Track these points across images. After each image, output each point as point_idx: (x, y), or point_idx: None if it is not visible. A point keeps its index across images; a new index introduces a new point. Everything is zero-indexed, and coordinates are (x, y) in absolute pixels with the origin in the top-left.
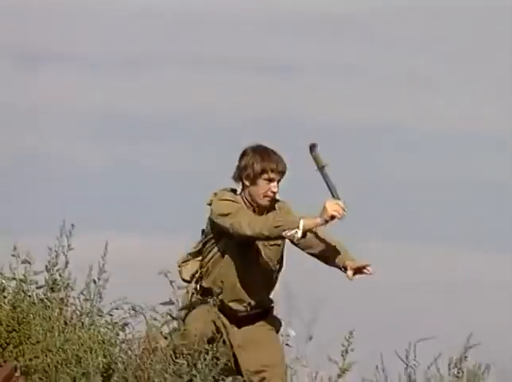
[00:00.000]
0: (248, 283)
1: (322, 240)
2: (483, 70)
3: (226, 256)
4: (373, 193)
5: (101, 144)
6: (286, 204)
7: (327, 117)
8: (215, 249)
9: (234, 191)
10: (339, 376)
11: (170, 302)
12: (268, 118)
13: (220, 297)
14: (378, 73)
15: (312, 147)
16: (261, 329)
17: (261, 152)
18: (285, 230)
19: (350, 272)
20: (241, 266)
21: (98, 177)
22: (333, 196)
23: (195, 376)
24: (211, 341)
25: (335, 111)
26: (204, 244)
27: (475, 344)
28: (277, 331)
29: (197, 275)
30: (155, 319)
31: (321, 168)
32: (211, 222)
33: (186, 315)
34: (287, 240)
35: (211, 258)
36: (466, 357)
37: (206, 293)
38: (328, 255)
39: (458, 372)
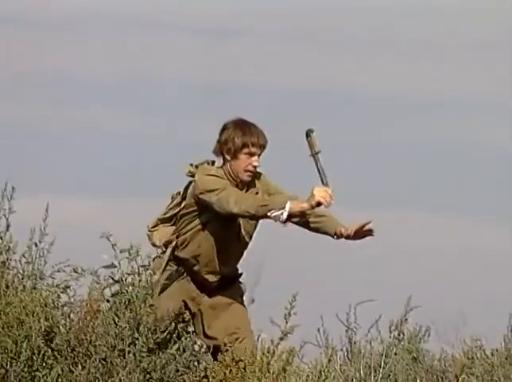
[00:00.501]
0: (225, 256)
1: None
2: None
3: (206, 230)
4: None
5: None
6: (262, 174)
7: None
8: (196, 221)
9: (213, 163)
10: (281, 338)
11: (112, 266)
12: (216, 82)
13: (196, 268)
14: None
15: (309, 132)
16: (230, 295)
17: (242, 126)
18: (270, 210)
19: (343, 231)
20: (221, 240)
21: (47, 139)
22: (323, 182)
23: (137, 338)
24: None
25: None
26: (182, 216)
27: (416, 306)
28: (242, 296)
29: (173, 244)
30: (97, 282)
31: (315, 153)
32: (195, 196)
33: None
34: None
35: (190, 229)
36: (406, 319)
37: (180, 263)
38: (319, 224)
39: (398, 334)
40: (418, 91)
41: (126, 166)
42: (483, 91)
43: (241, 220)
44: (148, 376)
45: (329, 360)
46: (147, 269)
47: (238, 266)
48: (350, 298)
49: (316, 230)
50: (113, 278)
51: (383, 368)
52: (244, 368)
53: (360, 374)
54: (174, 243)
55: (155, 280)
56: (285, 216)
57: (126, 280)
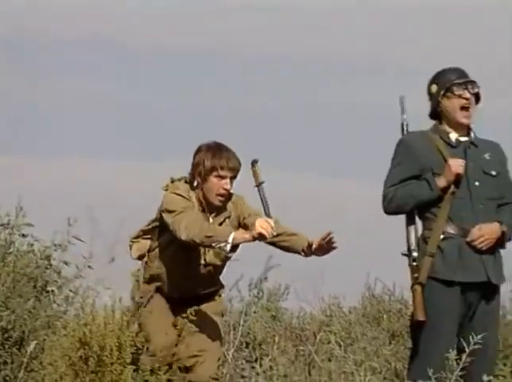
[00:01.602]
0: (191, 278)
1: (281, 231)
2: None
3: (171, 247)
4: None
5: None
6: (240, 198)
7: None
8: (163, 237)
9: (195, 184)
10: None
11: None
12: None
13: (163, 286)
14: None
15: (253, 162)
16: (203, 310)
17: (213, 149)
18: (215, 241)
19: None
20: (183, 259)
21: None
22: (265, 213)
23: None
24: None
25: None
26: (154, 228)
27: (275, 265)
28: (220, 312)
29: (145, 259)
30: None
31: (259, 184)
32: (159, 212)
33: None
34: None
35: (158, 245)
36: (266, 278)
37: (151, 280)
38: (289, 242)
39: (258, 293)
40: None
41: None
42: (417, 54)
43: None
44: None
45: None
46: None
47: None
48: None
49: (287, 249)
50: None
51: (242, 326)
52: (104, 327)
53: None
54: (146, 258)
55: (137, 302)
56: (228, 247)
57: None
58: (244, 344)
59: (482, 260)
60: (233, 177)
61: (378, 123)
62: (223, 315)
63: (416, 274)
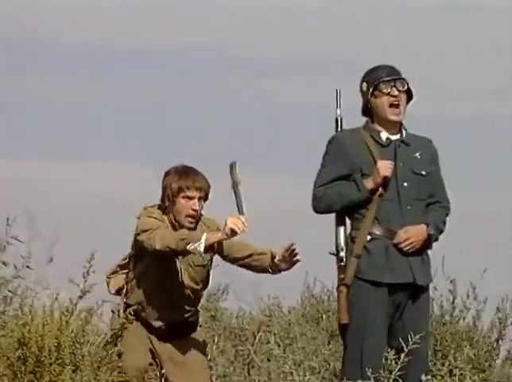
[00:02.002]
0: (171, 303)
1: (252, 252)
2: None
3: (147, 275)
4: None
5: None
6: (214, 222)
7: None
8: (139, 266)
9: (165, 208)
10: (80, 297)
11: None
12: None
13: (143, 315)
14: None
15: (232, 165)
16: (188, 347)
17: (180, 171)
18: (189, 242)
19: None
20: (162, 286)
21: None
22: (239, 211)
23: None
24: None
25: None
26: (130, 259)
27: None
28: (202, 344)
29: (123, 291)
30: None
31: (235, 185)
32: (134, 239)
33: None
34: (214, 260)
35: (135, 275)
36: None
37: (132, 311)
38: (259, 262)
39: None
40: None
41: None
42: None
43: (183, 265)
44: None
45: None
46: None
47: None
48: None
49: (256, 269)
50: None
51: None
52: (42, 327)
53: None
54: (124, 291)
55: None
56: (202, 247)
57: None
58: None
59: (408, 262)
60: (202, 198)
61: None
62: (205, 346)
63: (342, 275)
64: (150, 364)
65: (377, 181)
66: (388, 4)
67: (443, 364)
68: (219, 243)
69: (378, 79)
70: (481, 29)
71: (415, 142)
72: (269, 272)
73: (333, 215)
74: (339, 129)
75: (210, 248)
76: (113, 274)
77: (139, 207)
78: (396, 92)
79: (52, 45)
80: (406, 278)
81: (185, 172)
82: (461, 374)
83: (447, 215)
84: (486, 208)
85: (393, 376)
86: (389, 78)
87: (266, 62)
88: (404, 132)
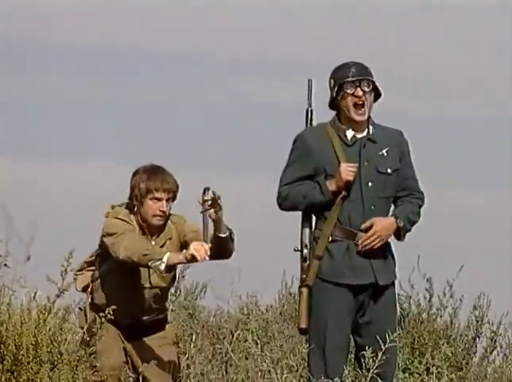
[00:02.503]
0: (138, 303)
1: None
2: None
3: (112, 274)
4: None
5: None
6: (181, 218)
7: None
8: (104, 265)
9: (133, 207)
10: (58, 295)
11: None
12: None
13: (109, 315)
14: None
15: (205, 190)
16: (158, 348)
17: (149, 171)
18: (151, 260)
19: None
20: (127, 285)
21: None
22: (203, 238)
23: None
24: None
25: None
26: (97, 257)
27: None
28: (174, 342)
29: (89, 289)
30: None
31: (204, 210)
32: (101, 238)
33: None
34: None
35: (100, 274)
36: (183, 276)
37: (97, 309)
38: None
39: (175, 291)
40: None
41: None
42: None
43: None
44: None
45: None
46: None
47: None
48: None
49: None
50: None
51: None
52: (20, 325)
53: None
54: (90, 289)
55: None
56: (163, 267)
57: None
58: None
59: (370, 262)
60: (170, 199)
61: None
62: (177, 343)
63: (304, 276)
64: (125, 363)
65: (339, 185)
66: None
67: (420, 362)
68: (185, 240)
69: (343, 78)
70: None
71: (382, 137)
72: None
73: (300, 213)
74: (309, 121)
75: (171, 268)
76: (80, 270)
77: (106, 205)
78: (360, 93)
79: (51, 44)
80: (367, 278)
81: (154, 172)
82: (438, 372)
83: (420, 206)
84: (460, 207)
85: (370, 375)
86: (354, 79)
87: (241, 60)
88: (371, 128)
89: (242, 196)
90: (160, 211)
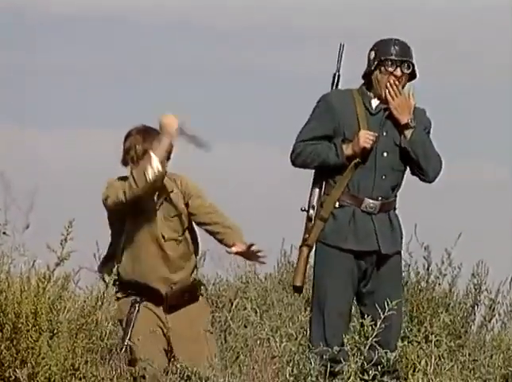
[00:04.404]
0: (162, 259)
1: (219, 220)
2: None
3: (129, 236)
4: None
5: None
6: (182, 176)
7: None
8: (117, 235)
9: (124, 178)
10: (57, 264)
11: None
12: None
13: (142, 282)
14: None
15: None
16: (192, 320)
17: (144, 132)
18: (144, 169)
19: (233, 248)
20: (143, 241)
21: None
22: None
23: None
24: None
25: None
26: (112, 236)
27: None
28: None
29: (114, 270)
30: None
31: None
32: (105, 206)
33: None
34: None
35: (118, 244)
36: None
37: (127, 287)
38: (223, 235)
39: None
40: None
41: None
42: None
43: (159, 221)
44: None
45: (106, 286)
46: None
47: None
48: None
49: (219, 241)
50: None
51: None
52: (20, 294)
53: None
54: (115, 270)
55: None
56: (155, 163)
57: None
58: None
59: (374, 229)
60: (165, 158)
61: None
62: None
63: (306, 236)
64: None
65: (355, 150)
66: None
67: (419, 331)
68: (188, 202)
69: (386, 55)
70: None
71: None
72: (227, 250)
73: (312, 173)
74: (336, 85)
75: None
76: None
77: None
78: (399, 73)
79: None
80: (371, 246)
81: (148, 133)
82: (437, 340)
83: (439, 157)
84: (459, 175)
85: (369, 343)
86: (397, 58)
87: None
88: None
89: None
90: (158, 171)
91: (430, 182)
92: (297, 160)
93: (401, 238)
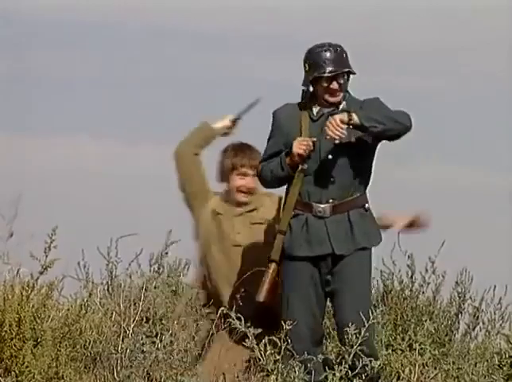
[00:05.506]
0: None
1: None
2: None
3: (211, 250)
4: None
5: None
6: (269, 194)
7: None
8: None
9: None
10: (41, 272)
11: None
12: None
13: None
14: None
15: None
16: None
17: (236, 148)
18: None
19: None
20: (227, 259)
21: None
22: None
23: None
24: None
25: None
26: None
27: (175, 241)
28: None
29: (198, 284)
30: None
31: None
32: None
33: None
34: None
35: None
36: (166, 253)
37: (210, 302)
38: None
39: (158, 268)
40: None
41: None
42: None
43: (241, 226)
44: None
45: (90, 294)
46: None
47: None
48: (111, 231)
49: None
50: None
51: (143, 301)
52: (3, 302)
53: (120, 307)
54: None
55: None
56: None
57: None
58: (144, 320)
59: (327, 233)
60: (256, 175)
61: None
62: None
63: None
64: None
65: (292, 159)
66: None
67: (403, 339)
68: None
69: (319, 71)
70: None
71: (352, 109)
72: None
73: None
74: (303, 99)
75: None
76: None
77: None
78: (336, 86)
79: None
80: (324, 249)
81: (240, 149)
82: (421, 348)
83: (399, 110)
84: (443, 182)
85: (353, 351)
86: (331, 75)
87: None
88: (343, 104)
89: None
90: (245, 187)
91: (410, 128)
92: (261, 181)
93: (373, 234)
